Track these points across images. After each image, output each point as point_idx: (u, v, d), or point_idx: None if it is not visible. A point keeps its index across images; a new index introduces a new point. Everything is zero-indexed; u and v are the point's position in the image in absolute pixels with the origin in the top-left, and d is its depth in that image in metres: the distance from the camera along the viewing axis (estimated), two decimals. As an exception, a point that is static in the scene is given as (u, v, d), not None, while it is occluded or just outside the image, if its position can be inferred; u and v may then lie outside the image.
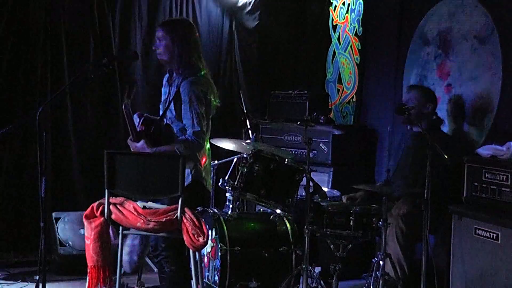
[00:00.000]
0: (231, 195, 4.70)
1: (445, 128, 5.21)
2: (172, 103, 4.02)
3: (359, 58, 6.30)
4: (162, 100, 4.22)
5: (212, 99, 4.07)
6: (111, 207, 3.69)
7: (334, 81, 6.62)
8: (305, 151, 4.34)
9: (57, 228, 5.27)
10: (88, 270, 3.71)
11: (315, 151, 5.63)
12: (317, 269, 4.35)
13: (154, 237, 4.05)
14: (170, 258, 3.99)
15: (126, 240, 4.09)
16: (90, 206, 3.76)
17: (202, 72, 4.06)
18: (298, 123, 4.49)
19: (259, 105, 6.45)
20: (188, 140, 3.93)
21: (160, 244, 4.02)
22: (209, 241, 4.36)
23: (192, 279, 3.74)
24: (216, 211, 4.67)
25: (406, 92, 5.03)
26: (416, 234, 4.46)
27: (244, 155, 4.65)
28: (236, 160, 5.20)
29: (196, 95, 3.94)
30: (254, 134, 5.74)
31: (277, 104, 6.20)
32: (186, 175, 3.90)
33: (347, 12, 6.45)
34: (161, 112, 4.14)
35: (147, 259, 5.00)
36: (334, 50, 6.61)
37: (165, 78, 4.24)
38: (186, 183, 3.86)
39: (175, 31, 4.03)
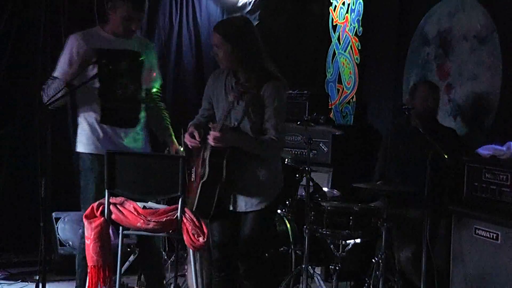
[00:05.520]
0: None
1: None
2: (246, 109, 3.56)
3: (359, 58, 6.30)
4: (222, 106, 3.68)
5: None
6: (111, 207, 3.69)
7: (334, 81, 6.62)
8: (305, 151, 4.34)
9: (57, 228, 5.28)
10: (88, 270, 3.71)
11: (315, 151, 5.63)
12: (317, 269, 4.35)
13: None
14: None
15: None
16: (90, 206, 3.76)
17: (277, 75, 3.65)
18: (298, 123, 4.49)
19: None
20: (274, 140, 3.51)
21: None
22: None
23: (192, 279, 3.75)
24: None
25: (414, 90, 4.83)
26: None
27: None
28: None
29: (280, 100, 3.55)
30: (254, 134, 5.74)
31: (277, 104, 6.19)
32: (278, 183, 3.67)
33: (347, 12, 6.45)
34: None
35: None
36: (334, 50, 6.61)
37: (231, 80, 3.69)
38: (277, 192, 3.67)
39: (238, 36, 3.56)
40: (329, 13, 6.67)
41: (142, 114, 4.28)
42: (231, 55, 3.55)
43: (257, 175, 3.59)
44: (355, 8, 6.34)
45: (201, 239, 3.56)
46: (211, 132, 3.50)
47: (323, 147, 5.71)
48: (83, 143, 4.17)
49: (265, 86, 3.52)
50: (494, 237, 3.98)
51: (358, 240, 4.31)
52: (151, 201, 3.95)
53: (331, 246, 4.31)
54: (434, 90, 4.82)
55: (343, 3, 6.50)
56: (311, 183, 4.51)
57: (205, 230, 3.58)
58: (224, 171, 3.51)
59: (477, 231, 4.11)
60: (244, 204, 3.59)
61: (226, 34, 3.55)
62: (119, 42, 4.19)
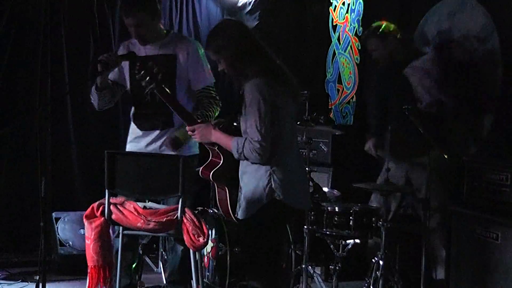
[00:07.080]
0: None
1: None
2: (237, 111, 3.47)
3: (359, 58, 6.30)
4: None
5: (281, 100, 3.34)
6: (111, 207, 3.69)
7: (334, 81, 6.62)
8: (305, 151, 4.34)
9: (57, 228, 5.28)
10: (88, 270, 3.71)
11: (315, 151, 5.63)
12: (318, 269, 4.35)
13: None
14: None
15: None
16: (90, 206, 3.76)
17: (264, 72, 3.40)
18: (298, 123, 4.49)
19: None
20: (245, 145, 3.24)
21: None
22: (209, 241, 4.36)
23: (192, 279, 3.75)
24: (216, 211, 4.67)
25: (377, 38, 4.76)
26: None
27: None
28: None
29: (254, 98, 3.26)
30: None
31: (277, 104, 6.19)
32: (258, 195, 3.27)
33: (347, 12, 6.45)
34: None
35: (147, 259, 5.00)
36: (334, 50, 6.61)
37: None
38: (260, 205, 3.27)
39: (222, 49, 3.42)
40: (329, 13, 6.68)
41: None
42: (231, 65, 3.40)
43: (242, 180, 3.37)
44: (355, 8, 6.34)
45: (201, 239, 3.56)
46: (187, 128, 3.58)
47: (323, 147, 5.71)
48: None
49: (245, 86, 3.33)
50: (494, 237, 3.98)
51: (358, 240, 4.32)
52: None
53: (331, 246, 4.31)
54: (382, 39, 4.74)
55: (343, 3, 6.50)
56: (311, 183, 4.51)
57: (205, 230, 3.58)
58: (215, 167, 3.53)
59: (477, 231, 4.11)
60: (237, 207, 3.42)
61: (215, 47, 3.41)
62: (151, 48, 4.22)
